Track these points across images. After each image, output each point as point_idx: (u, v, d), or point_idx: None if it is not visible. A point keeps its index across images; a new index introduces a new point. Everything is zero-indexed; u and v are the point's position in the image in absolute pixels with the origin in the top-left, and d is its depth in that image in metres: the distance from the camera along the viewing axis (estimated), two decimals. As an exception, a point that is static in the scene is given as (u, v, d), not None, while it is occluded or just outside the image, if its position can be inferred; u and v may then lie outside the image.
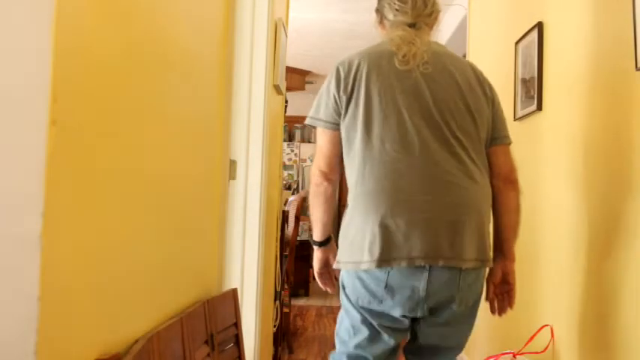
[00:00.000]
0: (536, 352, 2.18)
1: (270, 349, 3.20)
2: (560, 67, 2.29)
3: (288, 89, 5.94)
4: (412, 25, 1.76)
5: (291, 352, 4.08)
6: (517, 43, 2.76)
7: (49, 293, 0.89)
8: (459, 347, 1.77)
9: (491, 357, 2.32)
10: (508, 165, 1.77)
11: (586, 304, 1.95)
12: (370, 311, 1.65)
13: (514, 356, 2.21)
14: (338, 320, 1.76)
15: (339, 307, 1.78)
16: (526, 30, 2.64)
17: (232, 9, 2.24)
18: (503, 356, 2.24)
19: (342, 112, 1.69)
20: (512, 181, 1.78)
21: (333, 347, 1.76)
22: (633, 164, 1.67)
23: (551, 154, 2.33)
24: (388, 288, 1.60)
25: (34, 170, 0.87)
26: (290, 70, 6.12)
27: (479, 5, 3.75)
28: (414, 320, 1.69)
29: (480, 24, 3.73)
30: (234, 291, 2.07)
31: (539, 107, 2.45)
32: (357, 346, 1.68)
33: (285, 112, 3.73)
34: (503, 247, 1.77)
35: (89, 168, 1.05)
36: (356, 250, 1.61)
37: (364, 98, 1.66)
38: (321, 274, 1.85)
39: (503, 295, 1.81)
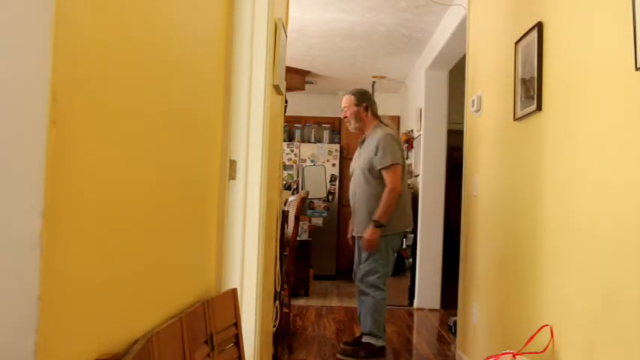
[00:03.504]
0: (536, 352, 2.18)
1: (270, 349, 3.21)
2: (560, 67, 2.29)
3: (288, 89, 5.93)
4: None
5: (291, 352, 4.08)
6: (517, 43, 2.77)
7: (49, 293, 0.89)
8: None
9: (491, 357, 2.32)
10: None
11: (586, 303, 1.95)
12: (394, 252, 4.12)
13: (514, 356, 2.21)
14: (376, 262, 3.99)
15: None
16: (526, 30, 2.64)
17: (232, 9, 2.24)
18: (503, 356, 2.24)
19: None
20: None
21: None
22: (633, 163, 1.67)
23: (551, 153, 2.33)
24: (401, 241, 4.22)
25: (34, 170, 0.87)
26: (290, 70, 6.12)
27: (479, 5, 3.75)
28: None
29: (479, 24, 3.73)
30: (233, 291, 2.07)
31: (539, 107, 2.45)
32: (388, 270, 4.07)
33: (285, 112, 3.73)
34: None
35: (89, 168, 1.05)
36: (395, 226, 4.07)
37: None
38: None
39: None
